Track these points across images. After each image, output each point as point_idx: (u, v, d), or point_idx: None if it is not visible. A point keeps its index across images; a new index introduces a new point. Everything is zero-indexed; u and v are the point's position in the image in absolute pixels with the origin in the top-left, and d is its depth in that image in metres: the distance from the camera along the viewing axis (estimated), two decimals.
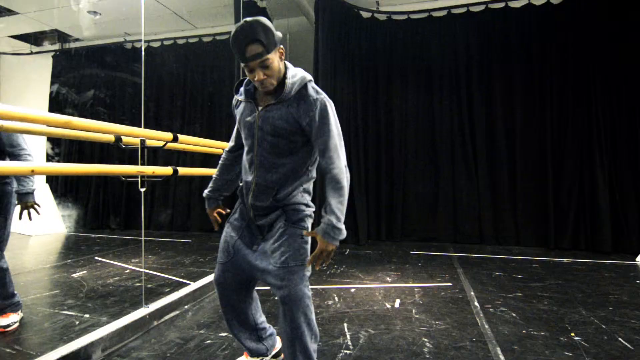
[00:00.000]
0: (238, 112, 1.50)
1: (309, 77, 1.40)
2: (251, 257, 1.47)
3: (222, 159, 1.67)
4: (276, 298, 1.41)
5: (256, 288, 1.64)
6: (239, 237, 1.51)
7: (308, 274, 1.42)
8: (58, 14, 4.84)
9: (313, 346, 1.41)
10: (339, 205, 1.32)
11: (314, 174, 1.51)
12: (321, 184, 4.74)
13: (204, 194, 1.67)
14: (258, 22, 1.25)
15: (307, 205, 1.48)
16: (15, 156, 2.03)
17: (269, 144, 1.38)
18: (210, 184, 1.67)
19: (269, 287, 2.72)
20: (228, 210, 1.65)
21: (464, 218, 4.68)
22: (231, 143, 1.65)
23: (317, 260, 1.32)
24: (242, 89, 1.48)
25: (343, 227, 1.32)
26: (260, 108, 1.39)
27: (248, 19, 1.26)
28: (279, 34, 1.32)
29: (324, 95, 1.37)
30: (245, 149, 1.48)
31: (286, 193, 1.42)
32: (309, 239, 1.44)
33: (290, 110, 1.34)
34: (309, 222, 1.47)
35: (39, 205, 2.09)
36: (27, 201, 2.05)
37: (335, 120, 1.38)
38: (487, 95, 4.68)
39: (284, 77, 1.36)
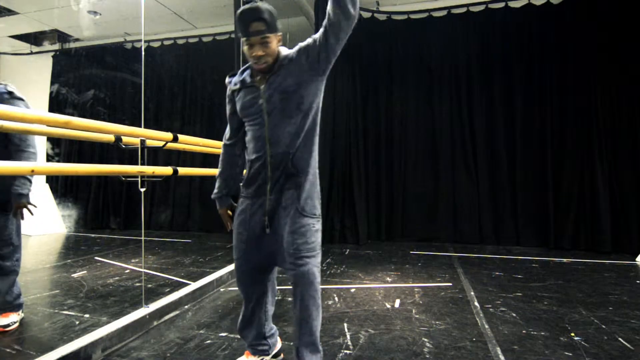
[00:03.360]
0: (238, 100, 1.53)
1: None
2: (263, 245, 1.53)
3: (223, 154, 1.66)
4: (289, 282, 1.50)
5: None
6: (248, 231, 1.54)
7: (319, 258, 1.48)
8: (58, 14, 4.84)
9: (319, 327, 1.49)
10: None
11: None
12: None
13: (214, 195, 1.66)
14: (265, 6, 1.37)
15: (315, 186, 1.52)
16: (19, 151, 2.00)
17: (279, 110, 1.44)
18: (218, 183, 1.65)
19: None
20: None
21: (464, 218, 4.68)
22: (228, 133, 1.65)
23: None
24: (235, 79, 1.54)
25: None
26: (262, 85, 1.45)
27: (257, 2, 1.39)
28: (280, 25, 1.44)
29: None
30: (252, 129, 1.50)
31: (300, 157, 1.46)
32: (320, 227, 1.50)
33: (289, 68, 1.44)
34: (319, 209, 1.52)
35: (34, 206, 2.07)
36: (20, 202, 2.02)
37: None
38: (487, 95, 4.68)
39: (278, 57, 1.47)
